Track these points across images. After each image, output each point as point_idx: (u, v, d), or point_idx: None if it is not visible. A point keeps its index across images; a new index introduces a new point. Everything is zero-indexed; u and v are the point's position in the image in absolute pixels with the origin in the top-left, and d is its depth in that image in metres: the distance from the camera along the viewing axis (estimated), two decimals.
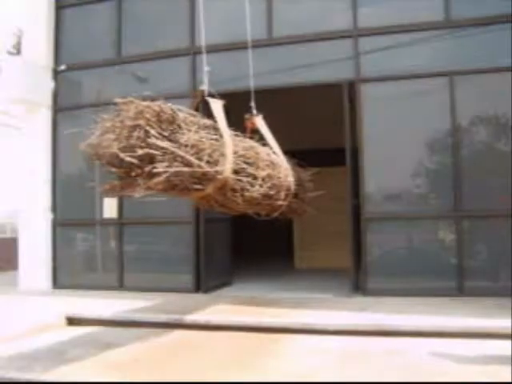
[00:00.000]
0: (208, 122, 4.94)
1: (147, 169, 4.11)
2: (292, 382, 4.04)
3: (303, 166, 6.28)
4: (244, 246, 11.87)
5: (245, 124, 5.86)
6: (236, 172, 4.77)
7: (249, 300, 7.03)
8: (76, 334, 5.75)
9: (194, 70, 8.26)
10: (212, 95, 5.17)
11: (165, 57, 8.33)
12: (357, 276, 7.45)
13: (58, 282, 8.82)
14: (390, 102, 7.39)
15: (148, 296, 7.41)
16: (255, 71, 7.80)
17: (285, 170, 5.54)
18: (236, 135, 5.19)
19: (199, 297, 7.55)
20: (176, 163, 4.20)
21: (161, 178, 4.11)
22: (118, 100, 4.41)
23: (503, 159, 6.86)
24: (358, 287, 7.34)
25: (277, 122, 10.56)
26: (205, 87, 5.23)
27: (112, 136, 4.22)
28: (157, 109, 4.26)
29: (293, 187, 5.60)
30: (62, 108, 9.00)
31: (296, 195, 5.86)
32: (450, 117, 7.05)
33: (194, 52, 8.27)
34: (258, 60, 7.97)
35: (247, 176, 4.91)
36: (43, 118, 8.93)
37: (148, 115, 4.17)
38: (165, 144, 4.16)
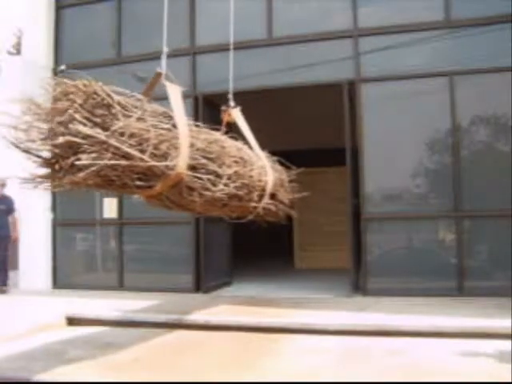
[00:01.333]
0: (161, 108, 4.26)
1: (69, 161, 3.45)
2: (292, 382, 4.04)
3: (286, 166, 5.84)
4: (244, 245, 11.86)
5: (221, 116, 5.54)
6: (194, 168, 4.12)
7: (248, 300, 7.03)
8: (76, 333, 5.74)
9: (194, 70, 8.27)
10: (171, 80, 4.47)
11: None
12: (357, 276, 7.44)
13: (57, 282, 8.82)
14: (390, 101, 7.39)
15: (148, 296, 7.41)
16: (255, 71, 7.83)
17: (259, 169, 5.00)
18: (197, 126, 4.63)
19: (199, 297, 7.55)
20: (108, 155, 3.50)
21: (87, 172, 3.44)
22: (49, 79, 3.89)
23: (503, 159, 6.86)
24: (358, 287, 7.34)
25: (277, 121, 10.59)
26: (162, 70, 4.46)
27: (31, 119, 3.63)
28: (85, 89, 3.57)
29: (269, 188, 5.07)
30: None
31: (274, 196, 5.38)
32: (450, 117, 7.05)
33: (194, 52, 8.28)
34: (258, 60, 8.01)
35: (208, 173, 4.26)
36: None
37: (75, 97, 3.52)
38: (91, 131, 3.44)
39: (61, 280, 8.82)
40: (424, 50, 7.19)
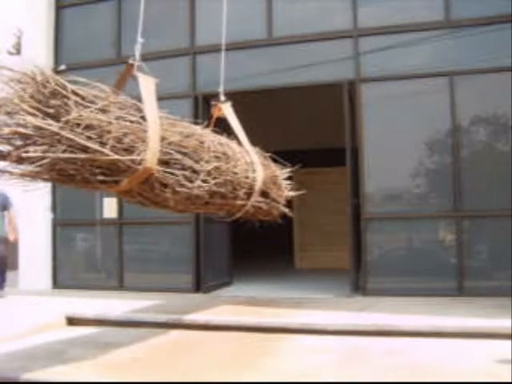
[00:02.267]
0: (131, 101, 4.01)
1: (15, 153, 3.25)
2: (292, 382, 4.04)
3: (280, 164, 5.67)
4: (244, 245, 11.86)
5: (211, 111, 5.43)
6: (166, 163, 3.88)
7: (249, 300, 7.03)
8: (76, 333, 5.74)
9: (194, 70, 8.27)
10: (143, 71, 4.25)
11: (165, 57, 8.33)
12: (357, 276, 7.44)
13: (57, 282, 8.82)
14: (390, 101, 7.39)
15: (148, 296, 7.41)
16: (255, 71, 7.83)
17: (246, 165, 4.77)
18: (171, 119, 4.34)
19: (199, 297, 7.55)
20: (62, 147, 3.28)
21: (37, 165, 3.24)
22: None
23: (503, 159, 6.87)
24: (358, 287, 7.34)
25: (277, 121, 10.58)
26: (135, 61, 4.27)
27: None
28: (36, 78, 3.36)
29: (258, 185, 4.84)
30: None
31: (266, 194, 5.17)
32: (450, 117, 7.05)
33: (194, 52, 8.28)
34: (258, 60, 8.01)
35: (183, 169, 4.01)
36: None
37: (24, 86, 3.32)
38: (38, 122, 3.22)
39: (61, 280, 8.82)
40: (424, 50, 7.20)
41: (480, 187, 7.00)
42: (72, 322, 6.20)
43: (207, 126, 4.97)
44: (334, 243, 10.18)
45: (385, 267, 7.26)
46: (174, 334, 5.67)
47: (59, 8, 9.17)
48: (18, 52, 8.84)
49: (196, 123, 4.71)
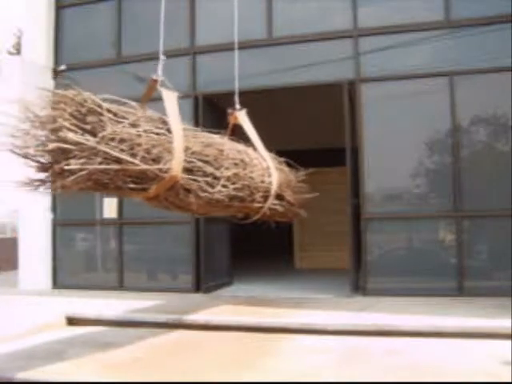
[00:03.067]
0: (156, 115, 4.41)
1: (59, 166, 3.63)
2: (292, 382, 4.04)
3: (293, 167, 5.91)
4: (244, 245, 11.87)
5: (227, 119, 5.62)
6: (189, 171, 4.25)
7: (249, 300, 7.03)
8: (75, 333, 5.75)
9: (194, 70, 8.27)
10: (166, 86, 4.59)
11: (165, 57, 8.32)
12: (357, 276, 7.44)
13: (57, 282, 8.83)
14: (390, 101, 7.39)
15: (148, 296, 7.41)
16: (255, 71, 7.82)
17: (261, 170, 5.08)
18: (194, 130, 4.74)
19: (199, 297, 7.55)
20: (99, 159, 3.68)
21: (77, 176, 3.61)
22: (46, 89, 4.03)
23: (503, 159, 6.87)
24: (358, 287, 7.34)
25: (276, 121, 10.58)
26: (158, 77, 4.59)
27: (27, 127, 3.78)
28: (75, 98, 3.77)
29: (274, 189, 5.14)
30: None
31: (281, 197, 5.44)
32: (450, 117, 7.06)
33: (194, 52, 8.29)
34: (258, 60, 8.00)
35: (205, 176, 4.38)
36: None
37: (65, 106, 3.71)
38: (79, 138, 3.63)
39: (61, 280, 8.82)
40: (424, 50, 7.20)
41: (480, 187, 7.00)
42: (72, 321, 6.21)
43: (225, 134, 5.27)
44: (334, 243, 10.18)
45: (385, 267, 7.26)
46: (174, 334, 5.68)
47: (59, 8, 9.18)
48: (18, 52, 8.85)
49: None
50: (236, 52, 6.01)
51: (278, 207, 5.41)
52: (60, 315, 6.28)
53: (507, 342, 4.66)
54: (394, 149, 7.33)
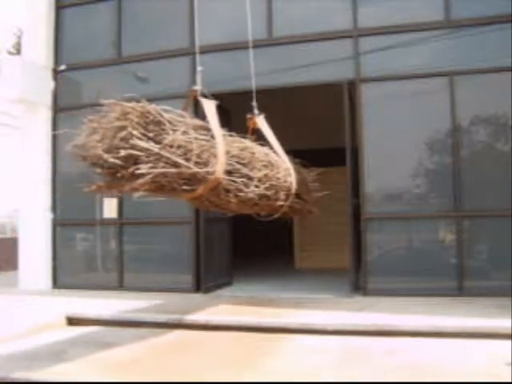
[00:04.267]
0: (199, 122, 4.87)
1: (130, 170, 4.05)
2: (292, 382, 4.04)
3: (307, 167, 6.25)
4: (244, 245, 11.86)
5: (247, 124, 5.82)
6: (229, 173, 4.67)
7: (249, 300, 7.03)
8: (76, 333, 5.75)
9: (194, 70, 8.25)
10: (205, 95, 5.10)
11: (165, 57, 8.33)
12: (357, 276, 7.45)
13: (57, 282, 8.83)
14: (390, 102, 7.39)
15: (148, 296, 7.41)
16: (255, 71, 7.82)
17: (284, 171, 5.45)
18: (230, 135, 5.11)
19: (199, 297, 7.55)
20: (161, 164, 4.13)
21: (145, 179, 4.05)
22: (104, 101, 4.36)
23: (503, 159, 6.87)
24: (358, 287, 7.34)
25: (277, 121, 10.55)
26: (197, 87, 5.12)
27: (97, 137, 4.19)
28: (141, 110, 4.20)
29: (294, 188, 5.50)
30: (62, 108, 9.00)
31: (298, 196, 5.77)
32: (450, 117, 7.05)
33: (194, 52, 8.28)
34: (258, 60, 7.96)
35: (241, 177, 4.80)
36: (43, 118, 8.93)
37: (132, 116, 4.13)
38: (147, 145, 4.08)
39: (61, 280, 8.82)
40: (424, 49, 7.20)
41: (480, 187, 7.00)
42: (72, 321, 6.21)
43: (250, 138, 5.58)
44: (334, 243, 10.17)
45: (385, 267, 7.26)
46: (174, 333, 5.68)
47: (59, 8, 9.18)
48: (18, 52, 8.84)
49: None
50: (251, 52, 6.17)
51: (296, 205, 5.77)
52: (60, 315, 6.28)
53: (507, 342, 4.66)
54: (394, 149, 7.33)
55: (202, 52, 8.27)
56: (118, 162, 4.05)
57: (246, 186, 4.79)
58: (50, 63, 9.04)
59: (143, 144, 4.05)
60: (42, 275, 8.75)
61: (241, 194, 4.74)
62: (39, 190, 8.81)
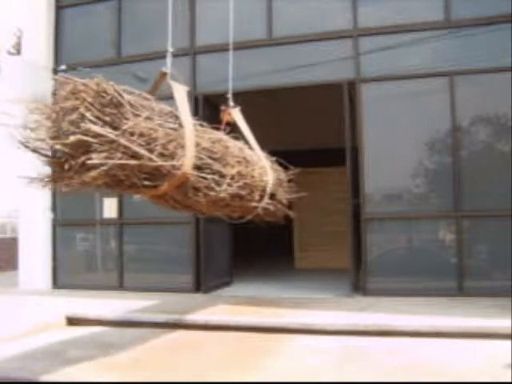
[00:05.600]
0: (167, 108, 4.24)
1: (80, 160, 3.40)
2: (292, 382, 4.04)
3: (283, 166, 5.80)
4: (244, 245, 11.86)
5: (221, 116, 5.51)
6: (199, 168, 4.10)
7: (249, 300, 7.03)
8: (76, 334, 5.74)
9: (194, 70, 8.27)
10: (176, 80, 4.44)
11: (165, 57, 8.30)
12: (357, 276, 7.44)
13: (57, 282, 8.83)
14: (390, 101, 7.39)
15: (148, 296, 7.41)
16: (255, 71, 7.83)
17: (260, 169, 4.98)
18: (201, 125, 4.58)
19: (199, 297, 7.55)
20: (118, 154, 3.48)
21: (97, 172, 3.40)
22: (54, 78, 3.79)
23: (503, 159, 6.86)
24: (358, 287, 7.34)
25: (277, 121, 10.56)
26: (167, 70, 4.45)
27: (48, 122, 3.57)
28: (96, 88, 3.54)
29: (269, 188, 5.02)
30: None
31: (273, 196, 5.34)
32: (450, 117, 7.05)
33: (194, 52, 8.29)
34: (258, 60, 8.00)
35: (213, 173, 4.24)
36: None
37: (85, 95, 3.48)
38: (102, 130, 3.41)
39: (61, 280, 8.82)
40: (424, 49, 7.19)
41: (480, 187, 7.00)
42: (72, 322, 6.21)
43: (224, 131, 5.14)
44: (334, 243, 10.18)
45: (385, 267, 7.26)
46: (174, 334, 5.67)
47: (59, 8, 9.18)
48: (18, 52, 8.84)
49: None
50: (231, 46, 5.87)
51: (270, 206, 5.28)
52: (60, 315, 6.27)
53: (507, 342, 4.65)
54: (394, 149, 7.33)
55: (202, 52, 8.30)
56: (64, 149, 3.46)
57: (218, 183, 4.24)
58: (50, 63, 9.04)
59: (96, 129, 3.39)
60: (42, 275, 8.75)
61: (212, 192, 4.18)
62: (39, 190, 8.79)
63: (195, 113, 7.95)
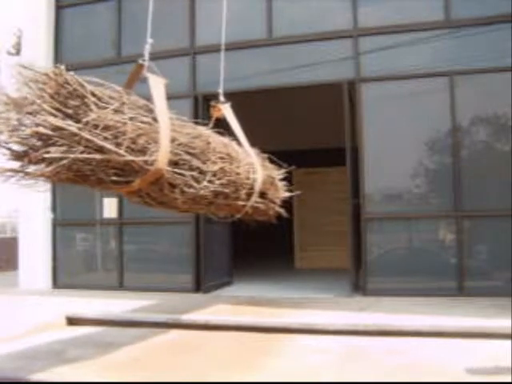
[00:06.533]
0: (141, 101, 4.07)
1: (37, 154, 3.28)
2: (292, 382, 4.04)
3: (276, 163, 5.62)
4: (244, 245, 11.86)
5: (210, 112, 5.46)
6: (175, 164, 3.93)
7: (249, 300, 7.03)
8: (76, 333, 5.74)
9: (194, 70, 8.27)
10: (153, 72, 4.34)
11: (165, 57, 8.32)
12: (357, 276, 7.44)
13: (57, 282, 8.83)
14: (390, 101, 7.39)
15: (148, 296, 7.41)
16: (255, 71, 7.83)
17: (247, 165, 4.80)
18: (180, 120, 4.41)
19: (199, 297, 7.54)
20: (80, 148, 3.33)
21: (56, 165, 3.27)
22: (16, 66, 3.65)
23: (503, 159, 6.86)
24: (358, 287, 7.34)
25: (277, 121, 10.57)
26: (144, 62, 4.36)
27: (8, 114, 3.43)
28: (57, 79, 3.43)
29: (258, 186, 4.85)
30: None
31: (264, 195, 5.17)
32: (450, 117, 7.05)
33: (194, 52, 8.29)
34: (258, 60, 8.00)
35: (191, 169, 4.07)
36: None
37: (45, 86, 3.38)
38: (60, 122, 3.27)
39: (61, 280, 8.82)
40: (424, 49, 7.20)
41: (480, 187, 7.00)
42: (72, 321, 6.20)
43: (208, 126, 5.00)
44: (333, 243, 10.18)
45: (385, 267, 7.26)
46: (174, 333, 5.67)
47: (59, 8, 9.18)
48: (18, 52, 8.83)
49: (196, 123, 4.73)
50: (223, 42, 5.87)
51: (260, 205, 5.12)
52: (60, 315, 6.27)
53: (507, 342, 4.65)
54: (394, 149, 7.33)
55: (202, 52, 8.30)
56: (22, 142, 3.34)
57: (197, 180, 4.08)
58: (50, 63, 9.02)
59: (54, 120, 3.26)
60: (42, 275, 8.75)
61: (190, 190, 4.02)
62: (39, 190, 8.79)
63: (195, 112, 7.98)
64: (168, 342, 5.35)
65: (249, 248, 12.32)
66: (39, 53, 8.91)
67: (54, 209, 8.94)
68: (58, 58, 9.08)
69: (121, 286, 8.38)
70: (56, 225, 8.94)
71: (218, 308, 6.53)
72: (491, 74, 6.87)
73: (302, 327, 5.51)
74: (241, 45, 7.67)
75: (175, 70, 8.38)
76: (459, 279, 6.86)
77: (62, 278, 8.84)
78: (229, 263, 8.66)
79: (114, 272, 8.52)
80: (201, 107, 8.01)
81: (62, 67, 3.53)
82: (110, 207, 8.56)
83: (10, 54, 8.78)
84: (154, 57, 8.43)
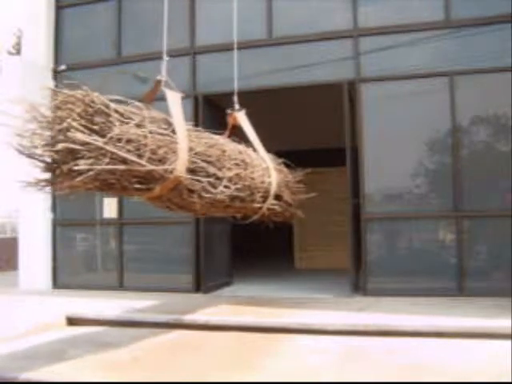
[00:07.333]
0: (160, 115, 4.45)
1: (67, 166, 3.67)
2: (292, 382, 4.04)
3: (291, 167, 5.98)
4: (244, 245, 11.87)
5: (227, 120, 5.68)
6: (193, 171, 4.33)
7: (249, 300, 7.03)
8: (76, 333, 5.75)
9: (194, 70, 8.27)
10: (171, 87, 4.69)
11: None
12: (357, 276, 7.44)
13: (57, 282, 8.83)
14: (390, 101, 7.39)
15: (148, 296, 7.41)
16: (255, 71, 7.83)
17: (262, 170, 5.16)
18: (197, 131, 4.79)
19: (199, 297, 7.55)
20: (106, 160, 3.72)
21: (85, 176, 3.65)
22: (49, 89, 4.06)
23: (503, 159, 6.86)
24: (358, 287, 7.34)
25: (277, 121, 10.58)
26: (162, 77, 4.67)
27: (41, 131, 3.83)
28: (84, 99, 3.79)
29: (273, 189, 5.22)
30: None
31: (280, 197, 5.51)
32: (450, 117, 7.05)
33: (194, 52, 8.29)
34: (257, 60, 8.00)
35: (208, 176, 4.46)
36: None
37: (74, 106, 3.76)
38: (87, 138, 3.66)
39: (61, 280, 8.82)
40: (424, 49, 7.20)
41: (480, 187, 7.00)
42: (72, 321, 6.21)
43: (225, 134, 5.33)
44: (333, 243, 10.18)
45: (385, 267, 7.26)
46: (174, 333, 5.68)
47: (59, 8, 9.18)
48: (18, 52, 8.84)
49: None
50: (235, 51, 6.01)
51: (276, 207, 5.47)
52: (60, 315, 6.27)
53: (507, 342, 4.66)
54: (394, 149, 7.33)
55: (202, 52, 8.30)
56: (54, 156, 3.73)
57: (214, 186, 4.48)
58: (50, 63, 9.04)
59: (81, 136, 3.64)
60: (42, 275, 8.75)
61: (207, 194, 4.43)
62: (42, 193, 8.80)
63: (195, 112, 7.98)
64: (168, 342, 5.35)
65: (249, 248, 12.33)
66: (39, 53, 8.92)
67: (53, 209, 8.94)
68: (57, 57, 9.09)
69: (121, 286, 8.38)
70: (56, 225, 8.95)
71: (218, 308, 6.53)
72: (491, 74, 6.87)
73: (301, 327, 5.51)
74: (241, 45, 7.65)
75: (175, 69, 8.37)
76: (459, 279, 6.86)
77: (62, 278, 8.84)
78: (229, 263, 8.66)
79: (114, 272, 8.52)
80: (201, 107, 8.00)
81: (86, 88, 3.86)
82: (109, 207, 8.56)
83: (10, 53, 8.77)
84: (155, 57, 8.47)
